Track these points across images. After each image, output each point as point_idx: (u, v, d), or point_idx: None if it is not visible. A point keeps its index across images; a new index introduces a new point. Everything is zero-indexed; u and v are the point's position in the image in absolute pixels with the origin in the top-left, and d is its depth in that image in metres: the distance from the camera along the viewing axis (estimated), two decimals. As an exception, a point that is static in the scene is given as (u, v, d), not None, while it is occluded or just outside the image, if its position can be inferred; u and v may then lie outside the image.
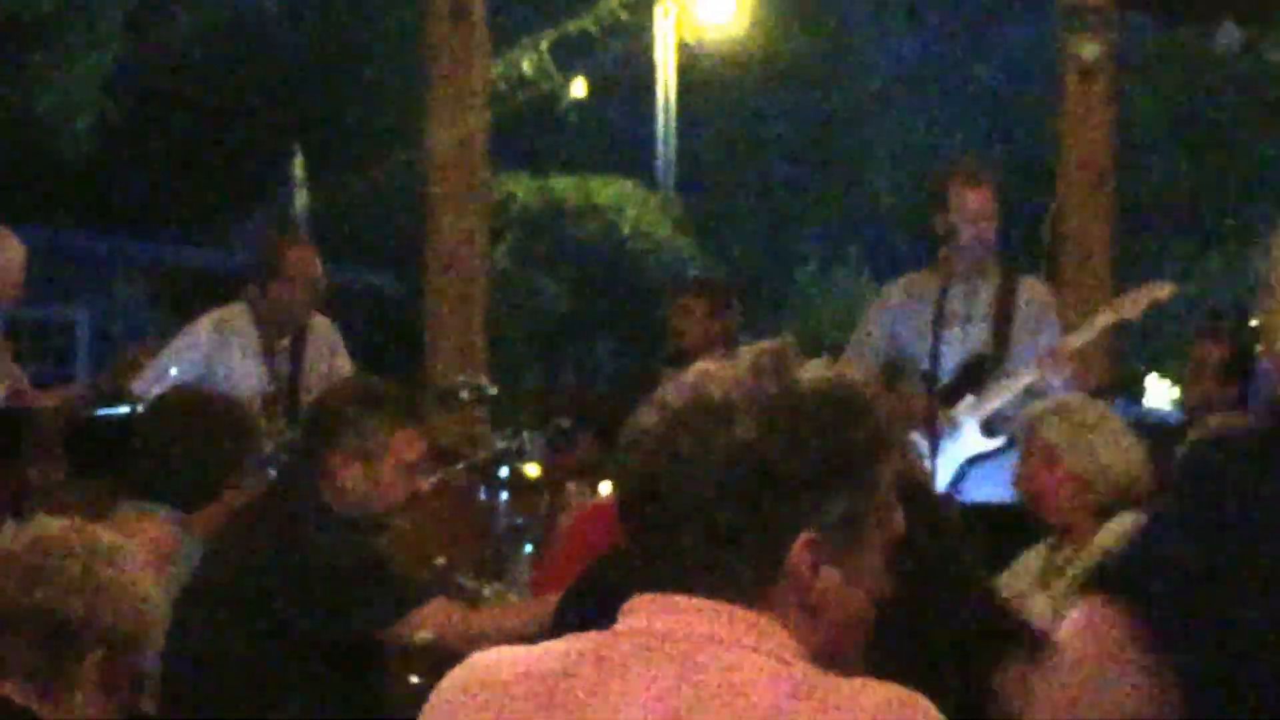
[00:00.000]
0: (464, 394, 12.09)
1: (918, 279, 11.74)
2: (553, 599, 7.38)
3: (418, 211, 13.20)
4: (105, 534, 5.10)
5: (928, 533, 4.13)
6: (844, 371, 3.74)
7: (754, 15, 27.56)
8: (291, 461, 8.04)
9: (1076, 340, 10.70)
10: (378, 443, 7.86)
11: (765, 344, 3.62)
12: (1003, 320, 11.12)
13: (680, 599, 3.44)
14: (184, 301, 11.93)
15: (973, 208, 11.23)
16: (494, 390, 12.33)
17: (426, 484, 8.01)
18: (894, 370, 10.34)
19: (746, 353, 3.43)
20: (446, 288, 13.16)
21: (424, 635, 7.78)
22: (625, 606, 3.50)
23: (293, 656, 7.53)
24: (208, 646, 6.83)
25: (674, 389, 3.52)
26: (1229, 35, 17.28)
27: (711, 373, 3.55)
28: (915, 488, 4.74)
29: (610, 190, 27.36)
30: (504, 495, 10.26)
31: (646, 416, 3.33)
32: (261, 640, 7.69)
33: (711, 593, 3.44)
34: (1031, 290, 11.54)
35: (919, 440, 10.72)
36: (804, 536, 3.42)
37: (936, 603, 4.93)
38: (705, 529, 3.42)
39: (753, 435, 3.42)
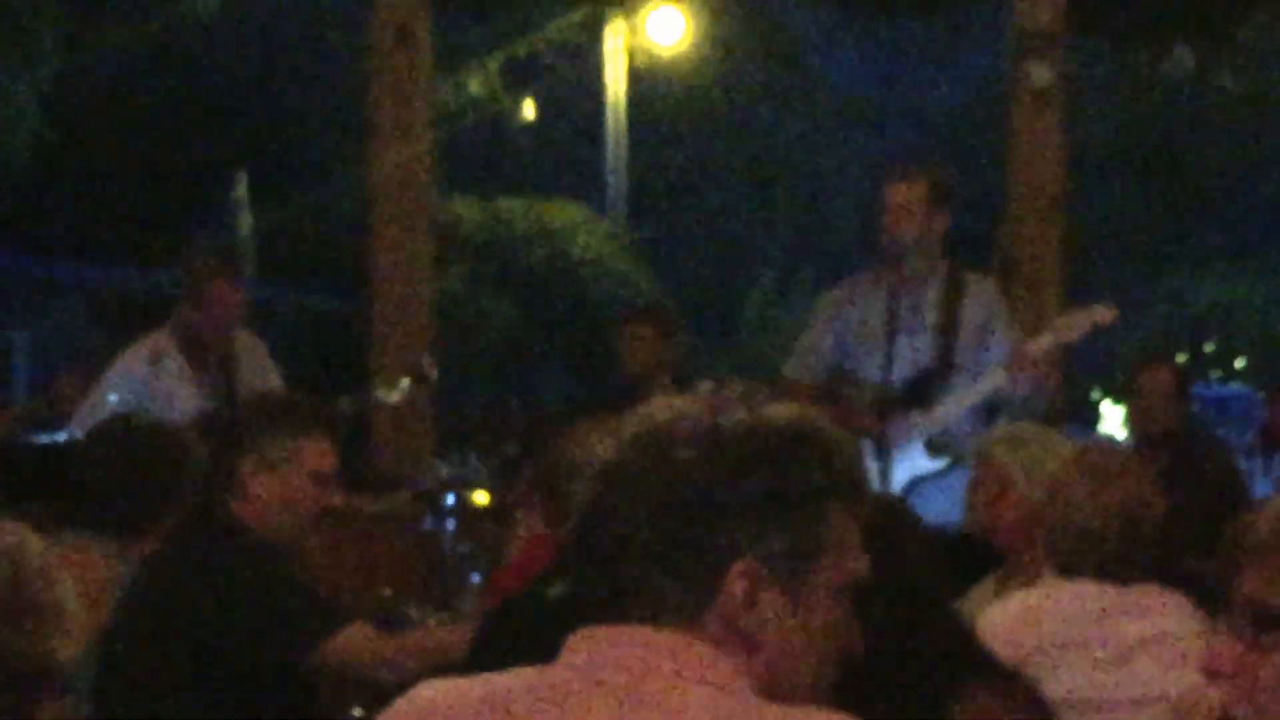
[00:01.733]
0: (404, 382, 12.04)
1: (859, 286, 11.85)
2: (470, 626, 7.52)
3: (363, 234, 13.16)
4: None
5: (893, 561, 4.11)
6: (814, 416, 3.84)
7: (705, 37, 27.59)
8: (207, 478, 8.00)
9: (1038, 348, 10.55)
10: (286, 450, 7.89)
11: (733, 385, 3.60)
12: (946, 331, 10.93)
13: (622, 630, 3.52)
14: (123, 324, 11.95)
15: (889, 202, 11.46)
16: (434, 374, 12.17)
17: (339, 499, 7.96)
18: (841, 381, 10.27)
19: (706, 389, 3.48)
20: (390, 310, 13.23)
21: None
22: (569, 641, 3.56)
23: (219, 687, 7.57)
24: (138, 676, 6.76)
25: (629, 420, 3.66)
26: (1180, 60, 17.42)
27: (666, 405, 3.67)
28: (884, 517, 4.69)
29: (560, 214, 27.52)
30: (451, 523, 10.26)
31: (601, 446, 3.35)
32: (186, 669, 7.74)
33: (651, 619, 3.54)
34: (977, 294, 11.58)
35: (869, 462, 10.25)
36: (740, 564, 3.51)
37: (901, 630, 4.88)
38: (643, 552, 3.52)
39: (693, 461, 3.53)
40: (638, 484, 3.52)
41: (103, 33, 22.69)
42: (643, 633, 3.50)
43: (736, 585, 3.49)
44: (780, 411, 3.68)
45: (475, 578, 8.22)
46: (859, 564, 3.64)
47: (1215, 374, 28.01)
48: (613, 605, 3.54)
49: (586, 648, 3.52)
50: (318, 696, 7.41)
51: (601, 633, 3.53)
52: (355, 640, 7.66)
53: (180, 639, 7.52)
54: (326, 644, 7.65)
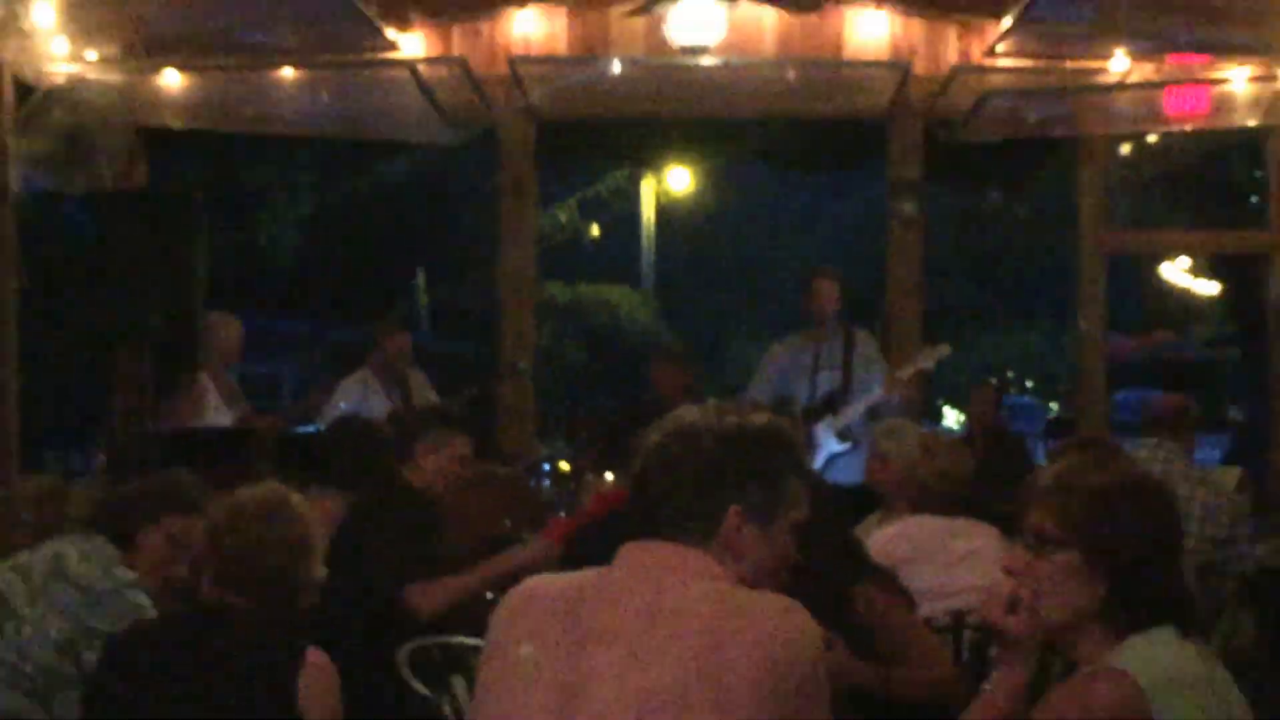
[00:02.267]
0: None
1: (794, 341, 11.76)
2: (552, 543, 7.45)
3: (493, 307, 13.06)
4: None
5: (817, 508, 4.22)
6: (778, 420, 3.94)
7: (703, 183, 27.91)
8: (393, 454, 8.16)
9: (903, 376, 10.82)
10: (443, 440, 7.74)
11: (730, 402, 4.06)
12: (846, 368, 11.18)
13: (657, 545, 3.62)
14: (347, 361, 11.82)
15: (816, 290, 11.25)
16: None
17: (471, 473, 8.13)
18: (781, 401, 10.60)
19: (714, 403, 3.69)
20: (508, 354, 13.04)
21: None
22: (620, 551, 3.67)
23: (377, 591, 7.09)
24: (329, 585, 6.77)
25: (669, 420, 3.81)
26: (994, 197, 17.47)
27: (690, 411, 3.83)
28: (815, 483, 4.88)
29: (613, 293, 27.86)
30: (546, 482, 10.41)
31: (653, 436, 3.62)
32: (358, 570, 7.12)
33: (675, 539, 3.60)
34: (864, 343, 11.63)
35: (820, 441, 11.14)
36: (733, 509, 3.62)
37: (816, 550, 4.98)
38: (675, 499, 3.63)
39: (710, 448, 3.66)
40: (673, 459, 3.71)
41: (338, 181, 22.72)
42: (670, 547, 3.63)
43: (731, 522, 3.64)
44: (759, 417, 3.84)
45: (561, 514, 8.32)
46: (803, 512, 3.77)
47: (1014, 391, 28.67)
48: (652, 530, 3.66)
49: (633, 555, 3.66)
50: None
51: (643, 546, 3.65)
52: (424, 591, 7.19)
53: (356, 552, 7.00)
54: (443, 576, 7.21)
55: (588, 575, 3.72)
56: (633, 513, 3.80)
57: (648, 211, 31.61)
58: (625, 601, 3.52)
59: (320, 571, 5.17)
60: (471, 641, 6.28)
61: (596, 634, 3.47)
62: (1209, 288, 19.32)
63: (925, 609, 6.23)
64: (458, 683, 6.28)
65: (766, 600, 3.54)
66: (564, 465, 11.02)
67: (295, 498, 5.25)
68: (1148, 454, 9.36)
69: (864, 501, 8.30)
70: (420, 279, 25.69)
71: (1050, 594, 3.67)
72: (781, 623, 3.47)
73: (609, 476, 9.12)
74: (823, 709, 3.48)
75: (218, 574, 4.99)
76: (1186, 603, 3.74)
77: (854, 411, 11.29)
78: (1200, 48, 12.11)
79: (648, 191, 30.29)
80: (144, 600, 5.35)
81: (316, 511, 7.67)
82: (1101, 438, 9.57)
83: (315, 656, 4.73)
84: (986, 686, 3.77)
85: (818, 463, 11.00)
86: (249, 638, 4.80)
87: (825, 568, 5.22)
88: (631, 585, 3.57)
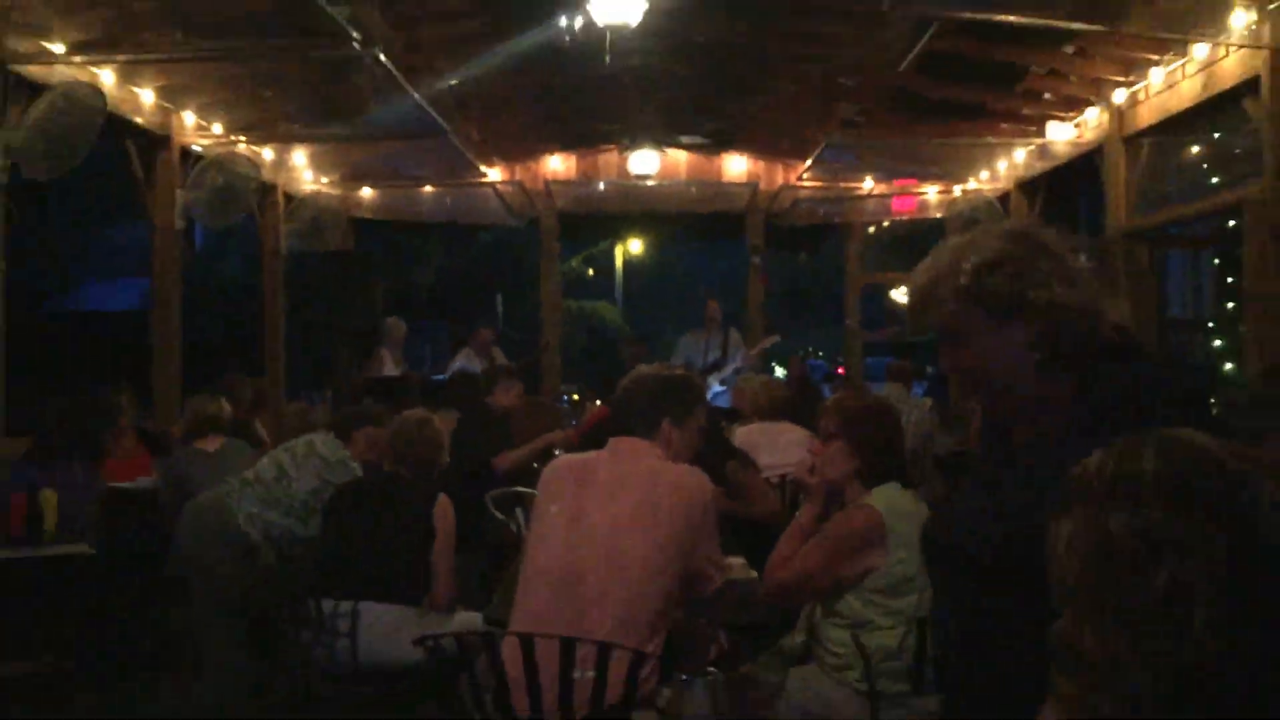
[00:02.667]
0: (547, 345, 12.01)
1: (696, 333, 11.57)
2: (570, 435, 7.34)
3: (539, 318, 12.82)
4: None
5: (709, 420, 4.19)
6: (692, 373, 4.01)
7: (649, 248, 27.65)
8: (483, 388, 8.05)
9: (753, 352, 10.71)
10: (510, 382, 7.73)
11: (663, 364, 4.00)
12: (723, 348, 11.07)
13: (627, 439, 3.59)
14: (462, 343, 11.60)
15: (708, 306, 11.40)
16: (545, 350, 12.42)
17: (524, 401, 7.97)
18: (687, 365, 10.50)
19: (656, 364, 3.68)
20: (548, 346, 12.86)
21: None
22: (609, 442, 3.62)
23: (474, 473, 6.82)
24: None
25: (632, 373, 3.75)
26: (802, 256, 17.23)
27: (645, 369, 3.77)
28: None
29: (603, 308, 27.38)
30: (566, 404, 10.26)
31: (624, 381, 3.67)
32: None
33: (637, 435, 3.56)
34: (733, 335, 11.45)
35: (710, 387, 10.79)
36: (666, 420, 3.60)
37: (709, 442, 4.93)
38: (637, 415, 3.58)
39: (652, 386, 3.61)
40: (634, 392, 3.64)
41: (454, 246, 22.44)
42: (632, 440, 3.57)
43: (664, 426, 3.59)
44: (678, 371, 3.86)
45: (573, 423, 8.14)
46: (701, 421, 3.71)
47: (811, 357, 27.42)
48: (625, 430, 3.61)
49: (616, 444, 3.60)
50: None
51: (622, 440, 3.60)
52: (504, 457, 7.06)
53: (465, 443, 6.62)
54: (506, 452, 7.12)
55: (589, 454, 3.69)
56: (612, 420, 3.79)
57: (619, 262, 31.53)
58: (607, 468, 3.52)
59: (446, 456, 5.15)
60: (526, 490, 6.18)
61: (591, 485, 3.49)
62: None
63: (765, 473, 6.00)
64: (519, 513, 6.24)
65: (683, 469, 3.52)
66: (575, 396, 10.96)
67: (432, 417, 5.20)
68: (887, 391, 9.38)
69: (730, 416, 7.91)
70: (499, 299, 25.55)
71: (830, 464, 3.62)
72: (690, 479, 3.48)
73: (598, 403, 9.08)
74: (712, 527, 3.49)
75: (393, 456, 5.01)
76: (903, 468, 3.69)
77: (728, 371, 11.15)
78: (910, 176, 12.05)
79: (619, 251, 30.22)
80: (357, 468, 5.33)
81: (443, 423, 7.69)
82: (858, 382, 9.56)
83: (442, 499, 4.73)
84: (796, 515, 3.71)
85: (708, 397, 11.07)
86: (407, 490, 4.81)
87: (713, 451, 5.19)
88: (611, 460, 3.55)
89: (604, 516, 3.38)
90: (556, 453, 6.89)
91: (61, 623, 5.04)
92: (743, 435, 6.74)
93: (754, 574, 4.04)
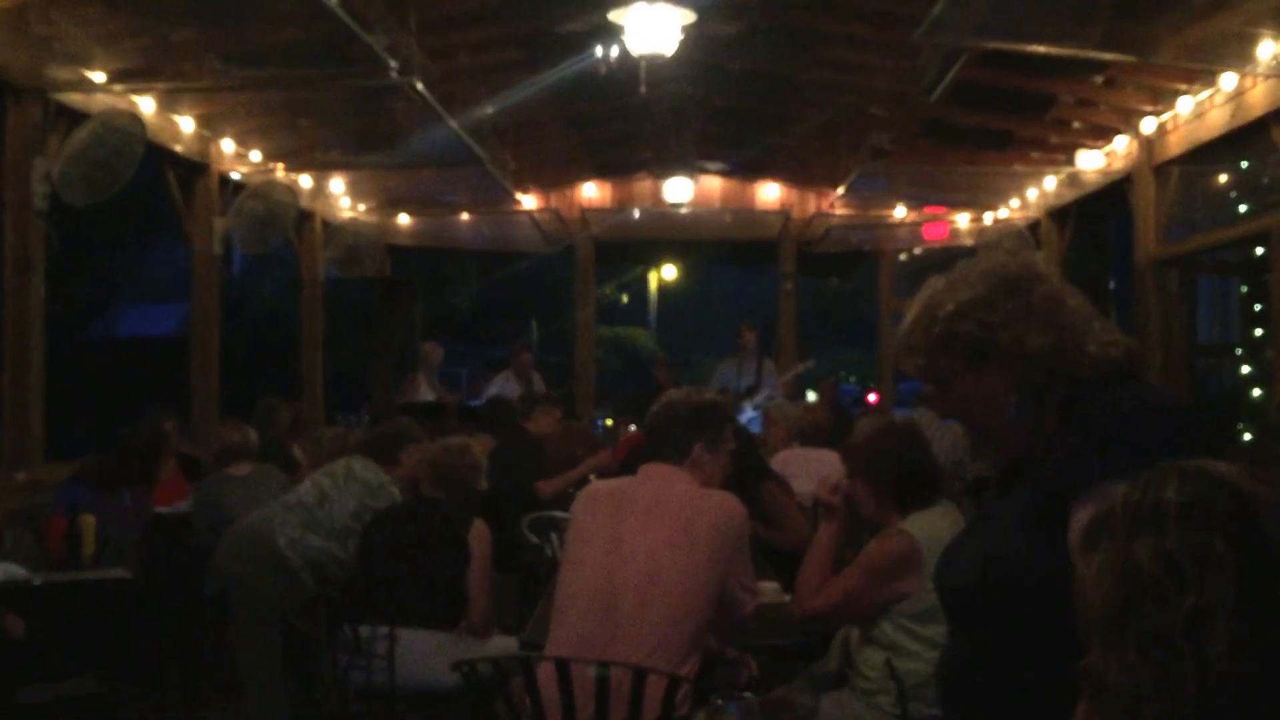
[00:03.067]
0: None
1: (731, 360, 11.49)
2: (608, 457, 7.47)
3: (573, 338, 12.89)
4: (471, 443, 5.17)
5: (743, 443, 4.20)
6: (719, 396, 4.04)
7: (682, 274, 27.77)
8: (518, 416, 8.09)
9: (786, 378, 10.75)
10: (548, 408, 7.78)
11: (695, 389, 3.99)
12: (759, 374, 10.99)
13: (660, 465, 3.59)
14: (499, 367, 11.70)
15: (741, 332, 11.45)
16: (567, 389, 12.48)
17: (560, 426, 8.06)
18: (722, 390, 10.51)
19: (686, 388, 3.71)
20: (579, 368, 12.90)
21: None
22: (641, 468, 3.64)
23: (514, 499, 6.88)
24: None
25: (663, 397, 3.75)
26: (834, 282, 17.23)
27: (676, 393, 3.77)
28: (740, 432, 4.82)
29: (637, 333, 27.60)
30: (600, 427, 10.32)
31: (655, 406, 3.69)
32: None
33: (669, 461, 3.56)
34: (767, 362, 11.37)
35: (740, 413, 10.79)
36: (699, 444, 3.59)
37: (746, 464, 4.92)
38: (670, 441, 3.58)
39: (686, 412, 3.60)
40: (666, 418, 3.64)
41: (491, 273, 22.69)
42: (667, 466, 3.57)
43: (696, 450, 3.59)
44: (710, 396, 3.84)
45: (608, 447, 8.18)
46: (732, 445, 3.69)
47: (844, 382, 27.29)
48: (657, 456, 3.61)
49: (648, 469, 3.61)
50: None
51: (655, 465, 3.59)
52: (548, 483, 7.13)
53: (503, 468, 6.74)
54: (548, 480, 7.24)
55: (623, 480, 3.75)
56: (645, 446, 3.77)
57: (653, 288, 31.67)
58: (643, 493, 3.52)
59: (484, 481, 5.17)
60: (560, 514, 6.16)
61: (628, 510, 3.49)
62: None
63: (799, 499, 5.82)
64: (554, 537, 6.18)
65: (717, 494, 3.54)
66: (609, 421, 11.02)
67: (471, 442, 5.26)
68: (917, 416, 9.37)
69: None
70: (534, 323, 25.70)
71: (865, 502, 3.60)
72: (724, 504, 3.49)
73: (632, 427, 9.10)
74: (745, 552, 3.50)
75: (430, 480, 5.04)
76: (938, 487, 3.65)
77: (761, 396, 11.14)
78: (941, 203, 12.04)
79: (653, 278, 30.34)
80: (396, 492, 5.31)
81: (481, 447, 7.69)
82: (886, 411, 9.58)
83: (479, 524, 4.73)
84: (817, 535, 3.66)
85: (742, 421, 11.08)
86: (444, 514, 4.80)
87: (750, 473, 5.25)
88: (646, 486, 3.55)
89: (641, 542, 3.38)
90: (591, 478, 6.95)
91: (101, 645, 5.07)
92: (780, 461, 6.70)
93: (787, 598, 4.02)
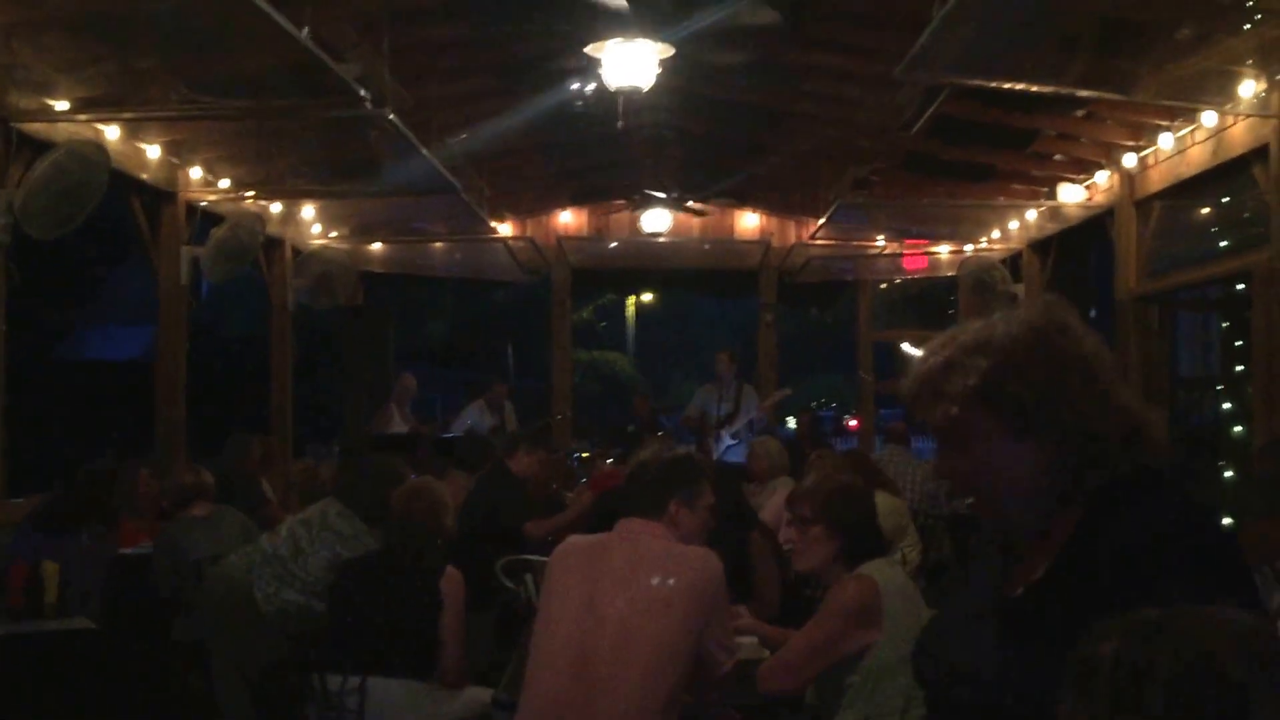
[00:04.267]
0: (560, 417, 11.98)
1: (710, 386, 11.40)
2: (585, 501, 7.30)
3: (549, 365, 12.80)
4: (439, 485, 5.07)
5: (723, 479, 4.15)
6: (693, 452, 4.02)
7: (660, 305, 27.81)
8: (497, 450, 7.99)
9: (765, 405, 10.69)
10: (533, 447, 7.54)
11: (665, 446, 3.98)
12: (737, 400, 10.95)
13: (637, 521, 3.58)
14: (475, 395, 11.59)
15: (719, 360, 11.22)
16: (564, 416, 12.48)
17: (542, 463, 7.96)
18: (703, 415, 10.54)
19: (655, 446, 3.77)
20: (557, 393, 12.87)
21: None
22: (618, 523, 3.61)
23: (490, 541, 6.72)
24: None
25: (636, 458, 3.79)
26: (814, 313, 17.21)
27: (647, 452, 3.75)
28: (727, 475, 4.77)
29: (614, 357, 27.58)
30: (577, 462, 10.22)
31: (629, 467, 3.76)
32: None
33: (645, 517, 3.55)
34: (746, 388, 11.26)
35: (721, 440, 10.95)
36: (675, 499, 3.60)
37: (731, 511, 4.86)
38: (646, 499, 3.57)
39: (659, 470, 3.61)
40: (640, 476, 3.65)
41: (467, 302, 22.52)
42: (644, 522, 3.56)
43: (672, 508, 3.59)
44: (680, 452, 3.85)
45: (583, 480, 8.11)
46: (710, 500, 3.67)
47: (822, 408, 27.33)
48: (634, 511, 3.58)
49: (626, 525, 3.58)
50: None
51: (632, 521, 3.58)
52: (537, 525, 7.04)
53: (479, 507, 6.77)
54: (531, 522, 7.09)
55: (600, 536, 3.64)
56: (620, 502, 3.71)
57: (630, 311, 31.76)
58: (620, 551, 3.49)
59: (450, 521, 5.01)
60: (535, 558, 6.08)
61: (605, 568, 3.46)
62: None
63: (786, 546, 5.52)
64: (529, 579, 6.12)
65: (694, 551, 3.51)
66: (585, 454, 10.92)
67: (437, 484, 5.15)
68: (888, 453, 9.34)
69: (742, 472, 8.04)
70: (510, 351, 25.59)
71: (810, 551, 3.63)
72: (700, 563, 3.46)
73: (609, 461, 9.04)
74: (722, 611, 3.50)
75: (399, 525, 4.87)
76: (884, 546, 3.70)
77: (739, 425, 11.10)
78: (922, 235, 12.10)
79: (630, 301, 30.40)
80: (371, 540, 5.19)
81: (453, 485, 7.54)
82: (830, 454, 9.40)
83: (450, 571, 4.65)
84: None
85: (720, 450, 10.91)
86: (417, 559, 4.70)
87: (735, 519, 5.13)
88: (623, 544, 3.52)
89: (619, 601, 3.36)
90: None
91: (65, 695, 4.95)
92: (770, 510, 6.47)
93: (766, 653, 3.98)
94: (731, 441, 10.91)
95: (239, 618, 5.08)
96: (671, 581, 3.40)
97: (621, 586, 3.40)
